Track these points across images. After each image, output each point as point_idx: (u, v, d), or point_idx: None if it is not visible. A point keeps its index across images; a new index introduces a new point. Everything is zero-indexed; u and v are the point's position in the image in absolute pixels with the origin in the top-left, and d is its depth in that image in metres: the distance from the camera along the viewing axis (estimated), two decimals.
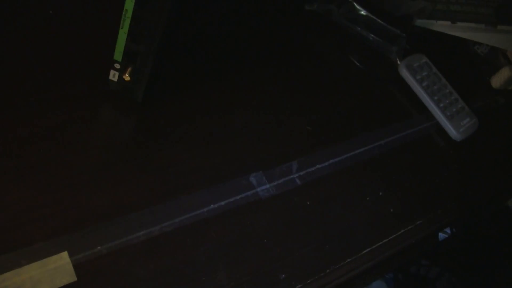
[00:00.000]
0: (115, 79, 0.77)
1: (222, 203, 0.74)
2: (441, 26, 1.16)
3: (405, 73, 1.06)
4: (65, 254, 0.62)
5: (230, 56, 0.97)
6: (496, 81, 1.20)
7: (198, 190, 0.74)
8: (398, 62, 1.08)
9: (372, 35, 1.11)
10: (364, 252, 0.77)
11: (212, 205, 0.73)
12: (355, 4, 1.11)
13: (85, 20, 0.90)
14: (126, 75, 0.75)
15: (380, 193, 0.85)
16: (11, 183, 0.67)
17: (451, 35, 1.16)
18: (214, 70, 0.93)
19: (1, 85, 0.76)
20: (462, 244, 1.49)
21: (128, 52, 0.73)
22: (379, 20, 1.11)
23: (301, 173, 0.82)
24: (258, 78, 0.95)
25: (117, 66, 0.75)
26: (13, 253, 0.61)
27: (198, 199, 0.73)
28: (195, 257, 0.68)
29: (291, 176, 0.81)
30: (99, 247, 0.64)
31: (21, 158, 0.69)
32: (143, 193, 0.72)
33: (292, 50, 1.05)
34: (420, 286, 1.57)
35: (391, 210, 0.84)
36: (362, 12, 1.11)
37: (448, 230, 1.31)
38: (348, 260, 0.75)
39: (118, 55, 0.74)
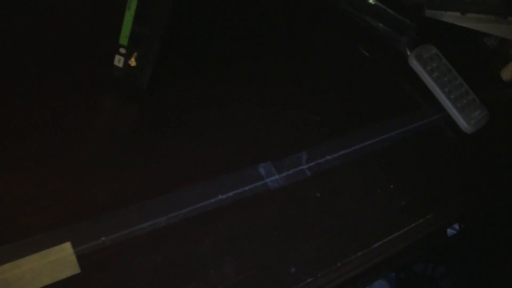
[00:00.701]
0: (120, 64, 0.74)
1: (230, 194, 0.72)
2: (451, 17, 1.13)
3: (415, 64, 1.04)
4: (67, 245, 0.60)
5: (239, 45, 0.95)
6: (506, 74, 1.18)
7: (205, 181, 0.72)
8: (408, 52, 1.06)
9: (381, 25, 1.09)
10: (375, 245, 0.75)
11: (220, 196, 0.71)
12: None
13: (89, 3, 0.87)
14: (132, 60, 0.72)
15: (391, 186, 0.83)
16: (12, 172, 0.64)
17: (460, 26, 1.14)
18: (222, 59, 0.91)
19: None
20: (468, 241, 1.47)
21: (135, 36, 0.71)
22: (388, 9, 1.09)
23: (311, 164, 0.80)
24: (266, 68, 0.93)
25: (123, 50, 0.73)
26: (13, 244, 0.58)
27: (205, 189, 0.71)
28: (202, 249, 0.66)
29: (301, 167, 0.79)
30: (103, 238, 0.62)
31: (21, 147, 0.67)
32: (148, 183, 0.69)
33: (299, 40, 1.03)
34: (422, 286, 1.55)
35: (402, 203, 0.82)
36: (371, 0, 1.09)
37: (456, 226, 1.29)
38: (360, 253, 0.73)
39: (124, 39, 0.71)
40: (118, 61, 0.74)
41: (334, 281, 0.70)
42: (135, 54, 0.72)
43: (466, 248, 1.49)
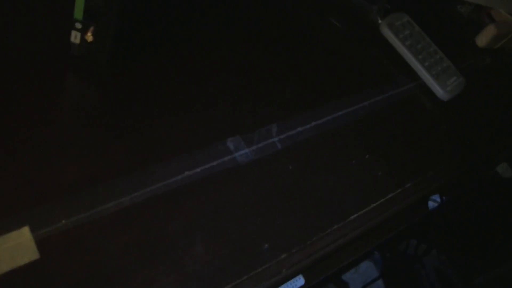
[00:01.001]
0: (77, 41, 0.71)
1: (198, 170, 0.69)
2: None
3: (387, 32, 1.01)
4: (26, 230, 0.57)
5: (205, 17, 0.91)
6: (482, 39, 1.15)
7: (171, 157, 0.69)
8: (379, 21, 1.03)
9: None
10: (351, 218, 0.73)
11: (186, 173, 0.68)
12: None
13: None
14: (89, 34, 0.69)
15: (367, 156, 0.81)
16: None
17: None
18: (187, 31, 0.88)
19: None
20: (451, 214, 1.46)
21: (89, 8, 0.67)
22: None
23: (282, 137, 0.77)
24: (234, 40, 0.91)
25: (78, 25, 0.69)
26: None
27: (171, 166, 0.68)
28: (169, 228, 0.64)
29: (271, 140, 0.76)
30: (63, 221, 0.59)
31: None
32: (112, 162, 0.67)
33: (269, 12, 1.00)
34: (408, 264, 1.54)
35: (379, 173, 0.79)
36: None
37: (438, 199, 1.27)
38: (335, 226, 0.71)
39: (78, 12, 0.68)
40: (75, 37, 0.71)
41: (310, 257, 0.68)
42: (92, 28, 0.69)
43: (448, 222, 1.47)
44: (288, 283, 0.76)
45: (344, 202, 0.75)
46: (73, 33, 0.70)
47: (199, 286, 0.61)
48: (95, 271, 0.58)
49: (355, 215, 0.73)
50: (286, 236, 0.68)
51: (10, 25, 0.76)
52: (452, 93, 0.97)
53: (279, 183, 0.73)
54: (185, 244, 0.63)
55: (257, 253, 0.65)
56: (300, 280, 0.79)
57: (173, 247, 0.62)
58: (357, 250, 0.86)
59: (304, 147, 0.78)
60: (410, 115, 0.93)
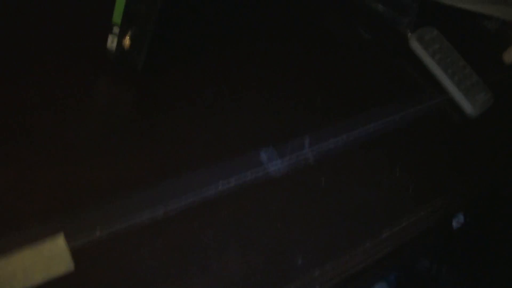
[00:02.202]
0: (114, 44, 0.70)
1: (231, 180, 0.68)
2: None
3: (416, 46, 1.00)
4: (61, 239, 0.56)
5: (240, 25, 0.91)
6: (509, 57, 1.14)
7: (206, 166, 0.68)
8: (409, 34, 1.02)
9: (381, 6, 1.05)
10: (384, 235, 0.72)
11: (221, 182, 0.67)
12: None
13: None
14: (127, 38, 0.68)
15: (397, 170, 0.80)
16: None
17: (460, 9, 1.11)
18: (222, 38, 0.88)
19: None
20: (473, 237, 1.44)
21: (129, 13, 0.66)
22: None
23: (314, 149, 0.76)
24: (267, 50, 0.90)
25: (116, 30, 0.68)
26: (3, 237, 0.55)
27: (206, 175, 0.68)
28: (203, 239, 0.63)
29: (304, 152, 0.76)
30: (98, 229, 0.58)
31: (10, 131, 0.63)
32: (145, 170, 0.66)
33: (300, 23, 1.00)
34: (423, 285, 1.53)
35: (410, 188, 0.78)
36: None
37: (461, 220, 1.26)
38: (368, 244, 0.70)
39: (117, 16, 0.67)
40: (112, 41, 0.70)
41: (343, 274, 0.67)
42: (130, 33, 0.68)
43: (470, 245, 1.46)
44: None
45: (376, 217, 0.74)
46: (110, 37, 0.70)
47: None
48: (129, 282, 0.57)
49: (388, 232, 0.72)
50: (319, 251, 0.67)
51: (46, 26, 0.75)
52: (480, 109, 0.97)
53: (312, 196, 0.72)
54: (219, 255, 0.62)
55: (291, 268, 0.64)
56: None
57: (207, 257, 0.61)
58: (385, 268, 0.85)
59: (335, 159, 0.77)
60: (438, 129, 0.92)
